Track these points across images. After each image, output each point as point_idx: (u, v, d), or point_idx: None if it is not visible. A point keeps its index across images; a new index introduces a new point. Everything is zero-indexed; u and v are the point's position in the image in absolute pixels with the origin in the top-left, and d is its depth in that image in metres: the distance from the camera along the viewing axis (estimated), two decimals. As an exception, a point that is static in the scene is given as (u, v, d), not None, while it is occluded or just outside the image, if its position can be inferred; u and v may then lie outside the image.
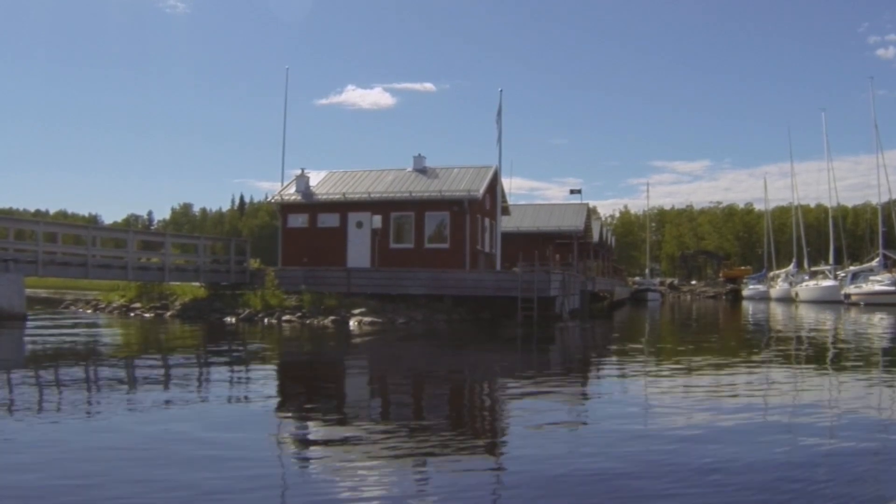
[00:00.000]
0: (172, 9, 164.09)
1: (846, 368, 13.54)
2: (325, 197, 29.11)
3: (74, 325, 20.49)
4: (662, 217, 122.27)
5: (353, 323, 21.40)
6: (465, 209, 27.23)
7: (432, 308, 23.77)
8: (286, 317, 22.13)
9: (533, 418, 8.07)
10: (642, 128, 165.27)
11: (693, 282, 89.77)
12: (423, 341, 18.16)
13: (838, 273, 53.33)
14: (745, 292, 69.91)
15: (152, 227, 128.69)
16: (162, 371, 11.72)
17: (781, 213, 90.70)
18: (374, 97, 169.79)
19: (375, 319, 21.73)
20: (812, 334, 23.04)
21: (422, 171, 30.14)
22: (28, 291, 22.48)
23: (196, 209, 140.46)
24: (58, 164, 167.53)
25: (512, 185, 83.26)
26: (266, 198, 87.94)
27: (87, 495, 4.85)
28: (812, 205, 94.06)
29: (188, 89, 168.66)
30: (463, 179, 28.61)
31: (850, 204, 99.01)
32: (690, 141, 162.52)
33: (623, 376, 12.28)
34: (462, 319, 23.44)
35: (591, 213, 48.50)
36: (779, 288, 63.42)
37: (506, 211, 33.17)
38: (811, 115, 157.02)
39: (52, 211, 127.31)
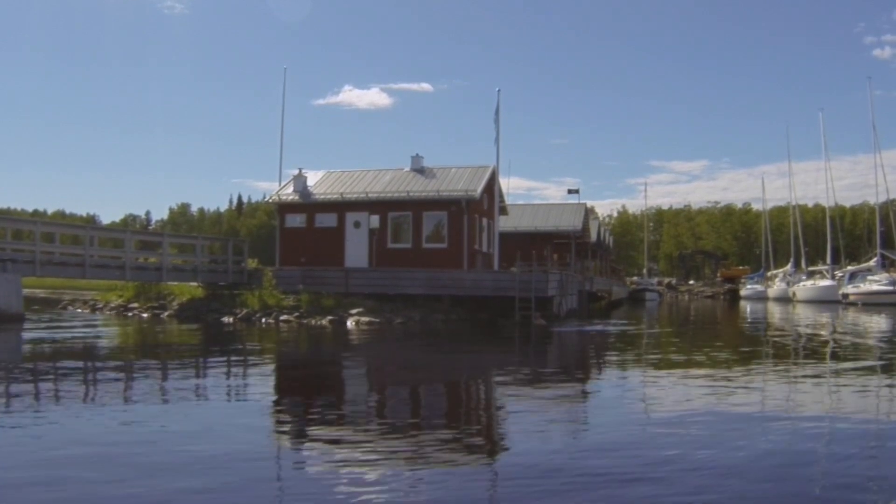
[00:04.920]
0: (170, 9, 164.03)
1: (844, 369, 13.56)
2: (322, 197, 29.10)
3: (72, 326, 20.48)
4: (660, 217, 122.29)
5: (350, 323, 21.40)
6: (462, 209, 27.23)
7: (430, 308, 23.77)
8: (284, 317, 22.13)
9: (530, 418, 8.08)
10: (640, 128, 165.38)
11: (691, 282, 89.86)
12: (421, 341, 18.17)
13: (836, 273, 53.35)
14: (743, 292, 69.94)
15: (150, 227, 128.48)
16: (158, 372, 11.72)
17: (779, 213, 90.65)
18: (372, 97, 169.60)
19: (373, 319, 21.73)
20: (810, 335, 23.05)
21: (419, 170, 30.13)
22: (26, 291, 22.47)
23: (194, 209, 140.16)
24: (56, 164, 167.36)
25: (510, 185, 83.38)
26: (264, 198, 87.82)
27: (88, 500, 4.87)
28: (810, 205, 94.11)
29: (186, 89, 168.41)
30: (461, 179, 28.62)
31: (848, 204, 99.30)
32: (688, 141, 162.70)
33: (620, 376, 12.29)
34: (460, 319, 23.45)
35: (588, 212, 48.52)
36: (777, 288, 63.44)
37: (504, 211, 33.17)
38: (809, 114, 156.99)
39: (50, 211, 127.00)
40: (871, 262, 50.73)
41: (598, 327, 23.86)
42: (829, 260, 56.09)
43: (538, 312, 22.85)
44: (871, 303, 42.22)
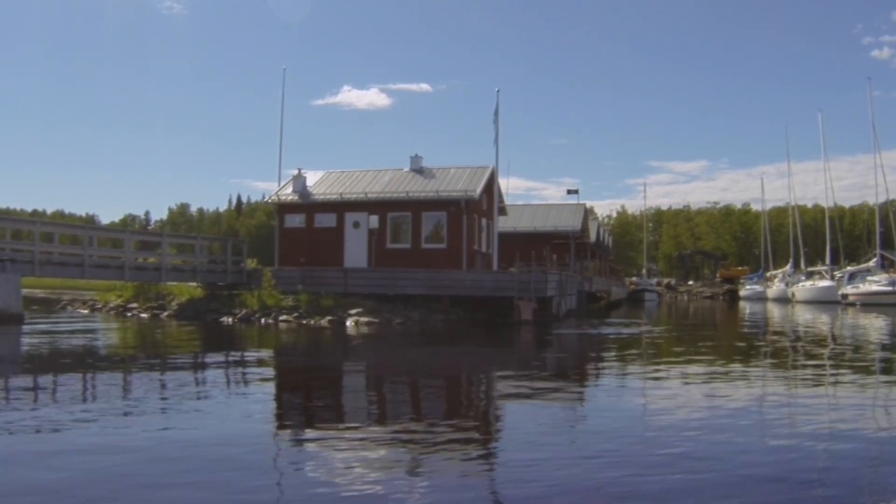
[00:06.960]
0: (169, 9, 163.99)
1: (844, 371, 13.56)
2: (321, 197, 29.11)
3: (71, 326, 20.46)
4: (660, 217, 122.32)
5: (349, 323, 21.39)
6: (462, 209, 27.24)
7: (429, 308, 23.77)
8: (283, 317, 22.12)
9: (529, 417, 8.08)
10: (640, 128, 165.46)
11: (690, 282, 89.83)
12: (420, 341, 18.17)
13: (835, 273, 53.33)
14: (742, 293, 69.96)
15: (149, 227, 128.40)
16: (158, 372, 11.71)
17: (778, 214, 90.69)
18: (371, 98, 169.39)
19: (372, 320, 21.72)
20: (809, 337, 23.05)
21: (419, 171, 30.15)
22: (25, 291, 22.45)
23: (193, 209, 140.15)
24: (55, 164, 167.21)
25: (509, 185, 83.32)
26: (263, 198, 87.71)
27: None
28: (809, 205, 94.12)
29: (186, 89, 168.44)
30: (460, 180, 28.62)
31: (847, 204, 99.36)
32: (687, 141, 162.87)
33: (617, 379, 12.29)
34: (459, 319, 23.45)
35: (588, 213, 48.60)
36: (776, 288, 63.44)
37: (503, 211, 33.19)
38: (808, 115, 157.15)
39: (49, 211, 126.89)
40: (871, 263, 50.70)
41: (597, 329, 23.81)
42: (828, 260, 56.05)
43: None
44: (871, 303, 42.21)
